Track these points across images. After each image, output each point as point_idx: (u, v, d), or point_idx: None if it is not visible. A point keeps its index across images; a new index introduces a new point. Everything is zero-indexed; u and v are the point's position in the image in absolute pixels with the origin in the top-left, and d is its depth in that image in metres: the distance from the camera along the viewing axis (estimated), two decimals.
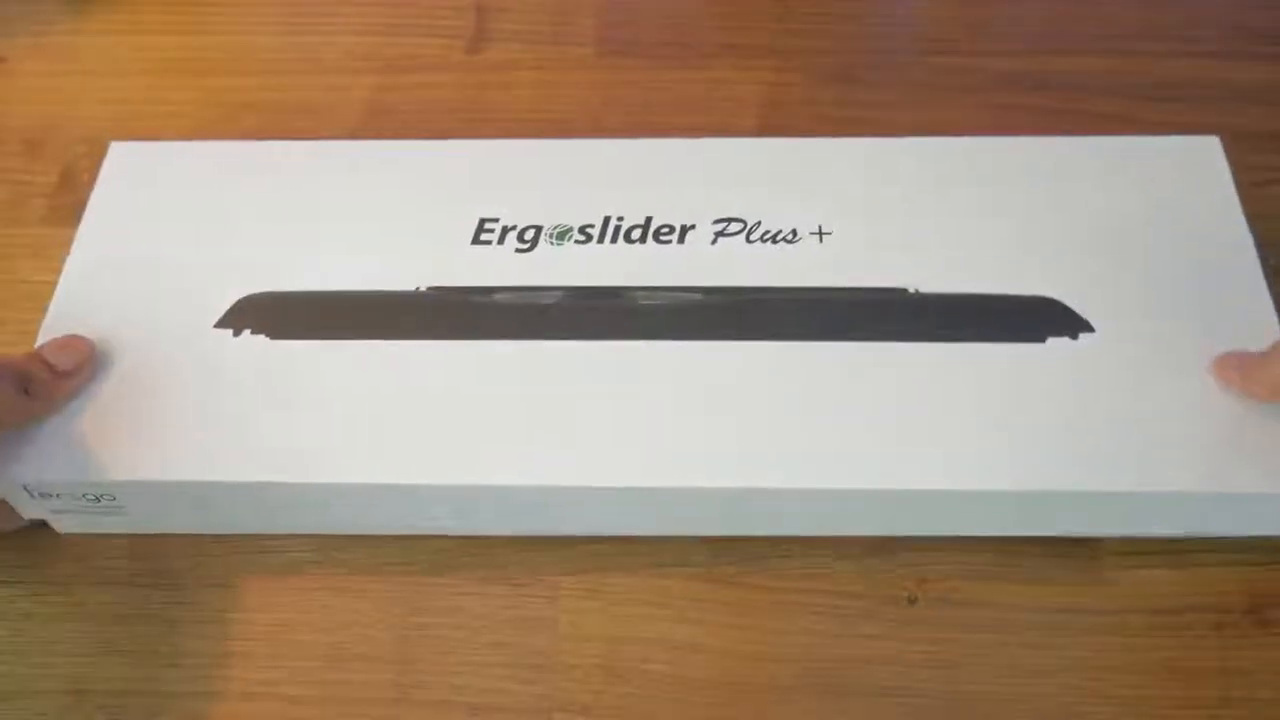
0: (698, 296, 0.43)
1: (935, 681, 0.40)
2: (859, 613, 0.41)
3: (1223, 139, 0.47)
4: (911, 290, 0.43)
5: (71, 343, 0.42)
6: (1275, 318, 0.42)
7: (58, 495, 0.40)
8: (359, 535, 0.43)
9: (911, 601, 0.41)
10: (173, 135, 0.54)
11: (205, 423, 0.41)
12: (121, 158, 0.48)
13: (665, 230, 0.45)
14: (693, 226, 0.45)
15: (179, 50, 0.59)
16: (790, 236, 0.44)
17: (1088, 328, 0.42)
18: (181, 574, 0.43)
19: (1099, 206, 0.45)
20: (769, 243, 0.44)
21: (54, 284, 0.45)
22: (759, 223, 0.45)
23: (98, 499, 0.40)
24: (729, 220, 0.45)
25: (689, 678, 0.40)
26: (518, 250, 0.45)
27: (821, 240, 0.44)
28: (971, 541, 0.42)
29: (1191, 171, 0.46)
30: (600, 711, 0.40)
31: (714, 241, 0.45)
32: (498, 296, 0.43)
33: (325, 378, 0.42)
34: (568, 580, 0.42)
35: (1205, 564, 0.42)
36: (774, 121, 0.55)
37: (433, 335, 0.42)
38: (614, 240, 0.45)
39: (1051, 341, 0.41)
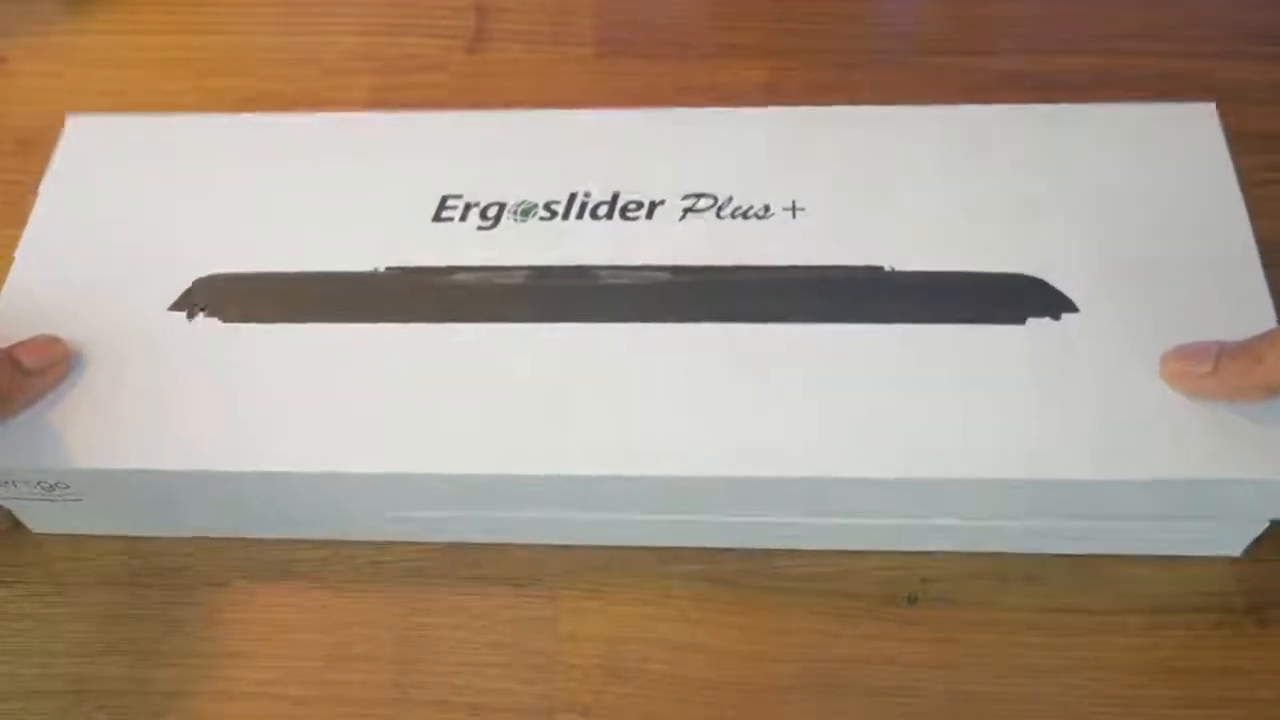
0: (665, 276, 0.42)
1: (935, 681, 0.40)
2: (859, 613, 0.41)
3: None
4: (888, 268, 0.42)
5: (45, 346, 0.40)
6: (1269, 300, 0.40)
7: (13, 483, 0.40)
8: (356, 536, 0.43)
9: (911, 601, 0.41)
10: None
11: (157, 410, 0.40)
12: (79, 131, 0.47)
13: (633, 206, 0.44)
14: (661, 202, 0.44)
15: (179, 50, 0.59)
16: (762, 212, 0.43)
17: (1071, 307, 0.40)
18: (181, 574, 0.43)
19: (1087, 178, 0.43)
20: (740, 218, 0.43)
21: None
22: (730, 198, 0.44)
23: (51, 487, 0.40)
24: (699, 195, 0.44)
25: (689, 678, 0.40)
26: (480, 228, 0.44)
27: (795, 216, 0.43)
28: (971, 541, 0.42)
29: (1186, 140, 0.44)
30: (600, 711, 0.40)
31: (683, 218, 0.43)
32: (458, 277, 0.42)
33: (280, 362, 0.40)
34: (568, 580, 0.42)
35: (1205, 564, 0.42)
36: None
37: (391, 318, 0.41)
38: (579, 216, 0.44)
39: (1032, 323, 0.40)
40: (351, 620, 0.41)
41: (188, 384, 0.40)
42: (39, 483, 0.40)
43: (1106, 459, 0.37)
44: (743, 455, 0.38)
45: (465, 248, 0.43)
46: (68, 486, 0.40)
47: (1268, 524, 0.40)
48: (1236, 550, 0.42)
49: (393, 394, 0.40)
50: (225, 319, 0.42)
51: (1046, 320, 0.40)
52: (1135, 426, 0.38)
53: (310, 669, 0.41)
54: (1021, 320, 0.40)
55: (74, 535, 0.43)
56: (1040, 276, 0.41)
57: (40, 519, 0.43)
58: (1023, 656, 0.40)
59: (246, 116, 0.48)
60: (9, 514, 0.43)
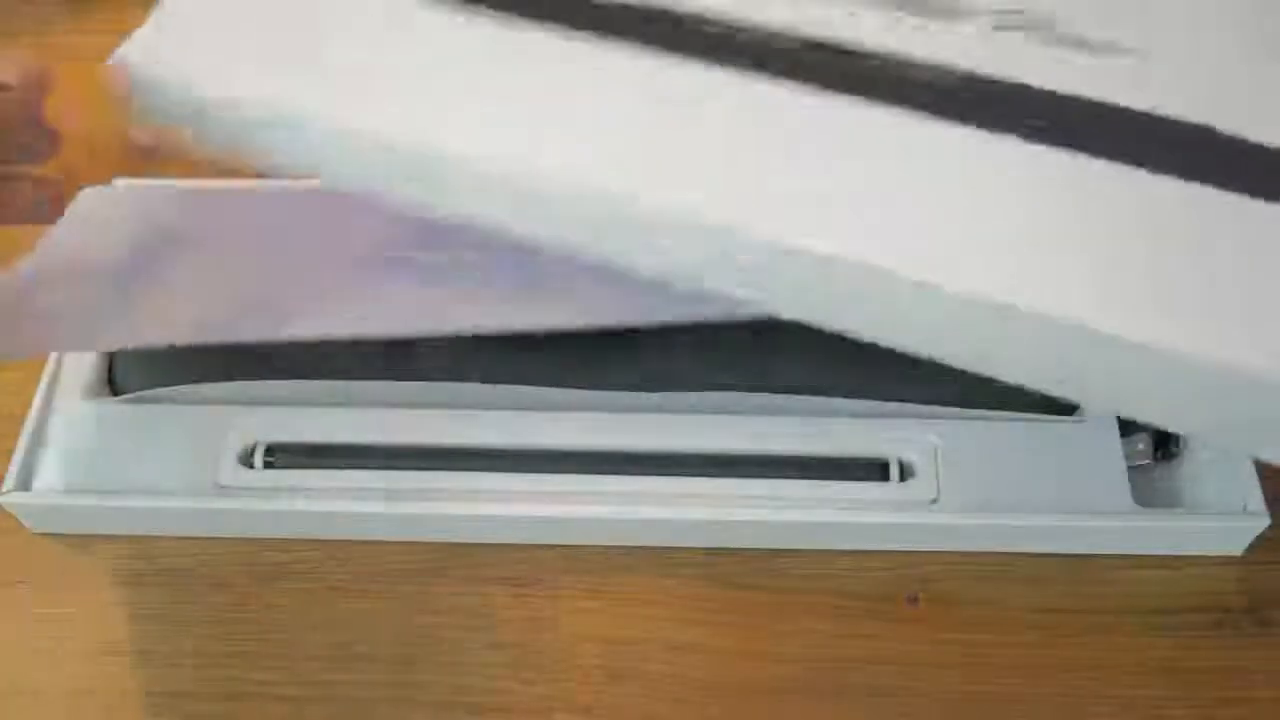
0: (956, 79, 0.34)
1: (935, 681, 0.40)
2: (859, 613, 0.41)
3: None
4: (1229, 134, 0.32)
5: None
6: None
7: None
8: (361, 536, 0.43)
9: (912, 601, 0.41)
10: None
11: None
12: None
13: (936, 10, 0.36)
14: (967, 13, 0.35)
15: None
16: (1100, 48, 0.34)
17: None
18: (182, 574, 0.43)
19: None
20: (1065, 47, 0.34)
21: None
22: (1066, 18, 0.35)
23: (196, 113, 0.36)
24: (1014, 12, 0.35)
25: (689, 678, 0.40)
26: None
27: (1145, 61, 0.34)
28: (973, 541, 0.42)
29: None
30: (601, 711, 0.40)
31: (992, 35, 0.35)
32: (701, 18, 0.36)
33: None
34: (568, 580, 0.42)
35: (1204, 564, 0.42)
36: None
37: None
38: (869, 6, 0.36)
39: None
40: (351, 620, 0.42)
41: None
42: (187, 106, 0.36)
43: None
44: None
45: None
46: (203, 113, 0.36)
47: (1268, 523, 0.41)
48: (1237, 550, 0.42)
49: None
50: None
51: None
52: None
53: (310, 669, 0.41)
54: None
55: (75, 535, 0.43)
56: None
57: (41, 519, 0.43)
58: (1023, 656, 0.40)
59: None
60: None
